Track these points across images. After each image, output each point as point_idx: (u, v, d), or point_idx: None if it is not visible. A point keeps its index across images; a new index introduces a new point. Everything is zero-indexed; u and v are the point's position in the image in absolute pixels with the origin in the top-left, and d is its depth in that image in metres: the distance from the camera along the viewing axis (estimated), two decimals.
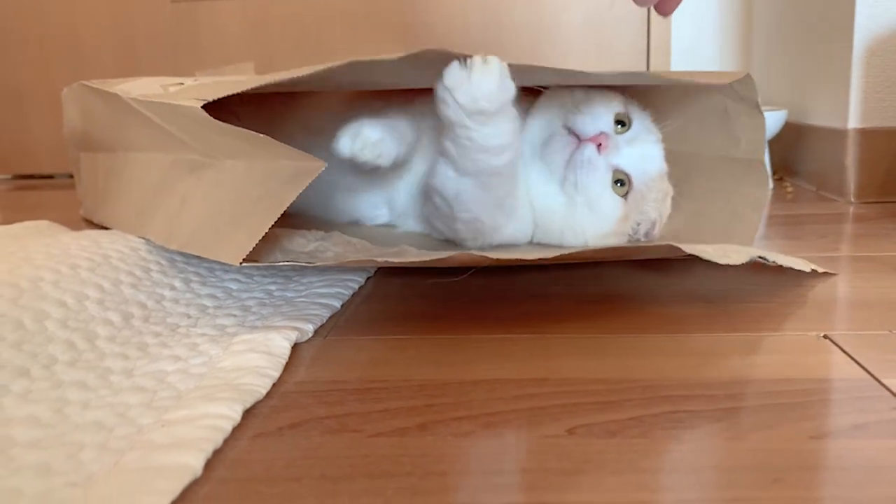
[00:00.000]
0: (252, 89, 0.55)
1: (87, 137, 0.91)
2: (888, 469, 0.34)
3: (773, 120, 1.08)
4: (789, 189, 1.12)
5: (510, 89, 0.54)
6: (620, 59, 1.40)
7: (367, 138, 0.60)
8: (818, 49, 1.10)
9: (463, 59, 0.53)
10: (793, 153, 1.18)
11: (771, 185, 1.14)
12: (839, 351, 0.48)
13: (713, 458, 0.35)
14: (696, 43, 1.43)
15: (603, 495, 0.32)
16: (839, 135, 1.01)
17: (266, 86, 0.55)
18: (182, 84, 0.75)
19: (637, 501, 0.32)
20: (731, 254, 0.56)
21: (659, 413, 0.40)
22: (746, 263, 0.59)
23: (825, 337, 0.51)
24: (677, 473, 0.34)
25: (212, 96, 0.54)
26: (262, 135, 0.51)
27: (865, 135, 0.99)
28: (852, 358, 0.47)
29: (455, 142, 0.56)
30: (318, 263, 0.53)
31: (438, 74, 0.54)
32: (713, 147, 0.74)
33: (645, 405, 0.41)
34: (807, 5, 1.14)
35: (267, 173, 0.53)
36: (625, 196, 0.63)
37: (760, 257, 0.60)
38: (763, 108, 1.09)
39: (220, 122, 0.53)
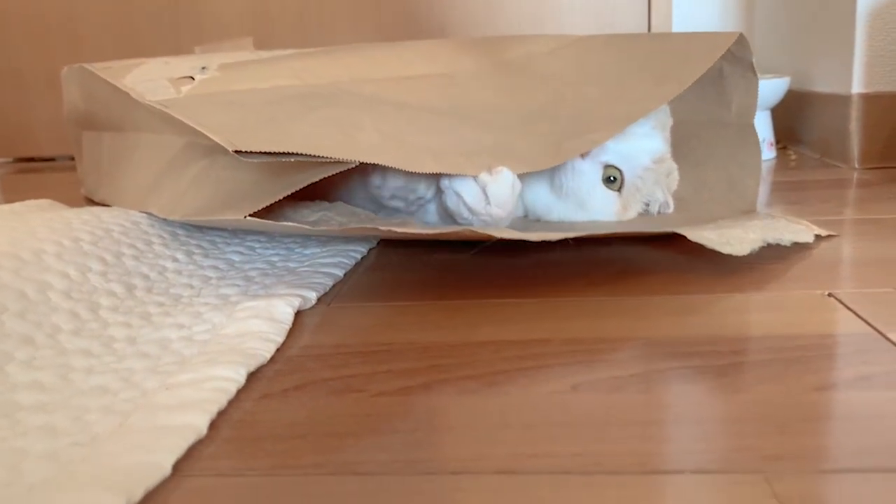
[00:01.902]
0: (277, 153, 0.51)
1: (91, 117, 0.90)
2: (892, 418, 0.34)
3: (776, 87, 1.07)
4: (793, 157, 1.12)
5: (518, 189, 0.56)
6: (621, 29, 1.38)
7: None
8: (821, 14, 1.09)
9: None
10: (797, 121, 1.17)
11: (773, 153, 1.13)
12: (844, 308, 0.48)
13: (717, 411, 0.35)
14: (698, 11, 1.42)
15: (607, 446, 0.32)
16: (842, 101, 1.01)
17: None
18: (192, 78, 0.74)
19: (641, 452, 0.32)
20: (734, 242, 0.56)
21: (662, 369, 0.40)
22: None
23: (830, 295, 0.50)
24: (681, 425, 0.34)
25: (241, 143, 0.52)
26: (293, 160, 0.50)
27: (869, 100, 0.98)
28: (857, 314, 0.47)
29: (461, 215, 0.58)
30: (322, 229, 0.52)
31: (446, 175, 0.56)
32: (708, 112, 0.74)
33: (648, 361, 0.41)
34: None
35: (290, 167, 0.52)
36: (619, 190, 0.63)
37: (766, 242, 0.59)
38: (766, 76, 1.08)
39: (250, 162, 0.52)
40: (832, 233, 0.65)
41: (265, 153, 0.50)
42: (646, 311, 0.49)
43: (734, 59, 0.72)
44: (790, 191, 0.89)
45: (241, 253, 0.65)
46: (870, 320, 0.45)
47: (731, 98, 0.74)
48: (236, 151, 0.50)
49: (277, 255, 0.65)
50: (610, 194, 0.63)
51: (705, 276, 0.56)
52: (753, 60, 0.71)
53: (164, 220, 0.65)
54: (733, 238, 0.56)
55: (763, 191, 0.90)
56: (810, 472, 0.30)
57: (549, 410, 0.36)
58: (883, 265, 0.57)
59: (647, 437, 0.33)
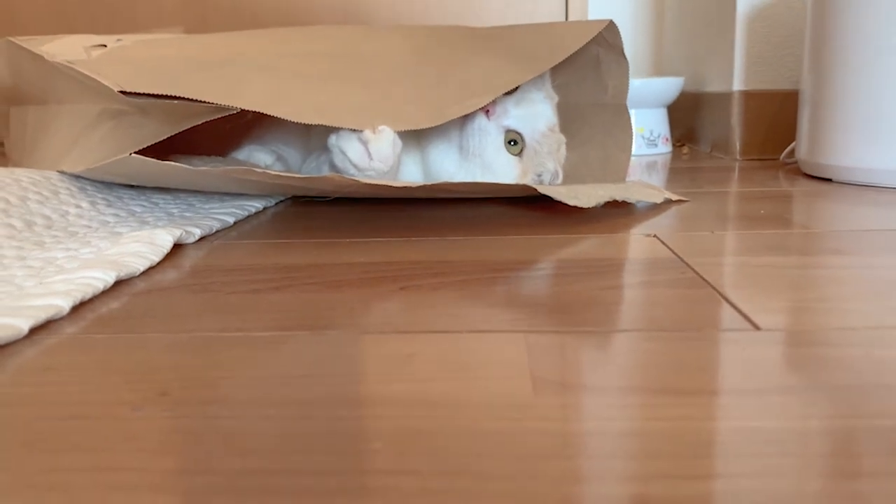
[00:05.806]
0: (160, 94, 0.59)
1: (18, 91, 0.94)
2: (652, 303, 0.41)
3: (670, 86, 1.16)
4: (685, 152, 1.20)
5: (399, 146, 0.62)
6: None
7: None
8: (710, 19, 1.18)
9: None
10: (694, 120, 1.26)
11: (669, 147, 1.22)
12: (660, 243, 0.55)
13: (515, 299, 0.42)
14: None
15: (416, 320, 0.38)
16: (726, 98, 1.10)
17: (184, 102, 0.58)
18: (105, 46, 0.80)
19: (436, 322, 0.38)
20: (581, 196, 0.62)
21: (481, 277, 0.46)
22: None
23: (654, 236, 0.57)
24: (478, 307, 0.40)
25: (129, 86, 0.58)
26: (176, 102, 0.56)
27: (748, 97, 1.07)
28: (667, 246, 0.54)
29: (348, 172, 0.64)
30: (202, 168, 0.58)
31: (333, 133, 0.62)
32: (587, 95, 0.82)
33: (471, 273, 0.47)
34: None
35: (181, 116, 0.57)
36: (519, 154, 0.70)
37: (613, 198, 0.66)
38: (664, 77, 1.17)
39: (137, 101, 0.58)
40: (683, 198, 0.73)
41: (150, 95, 0.55)
42: (489, 245, 0.55)
43: (608, 46, 0.80)
44: (674, 175, 0.97)
45: (144, 206, 0.70)
46: (675, 250, 0.52)
47: (607, 82, 0.82)
48: (123, 92, 0.55)
49: (178, 207, 0.70)
50: (512, 158, 0.69)
51: (556, 224, 0.63)
52: (623, 46, 0.79)
53: (75, 176, 0.70)
54: (581, 193, 0.63)
55: (660, 177, 0.98)
56: (556, 332, 0.36)
57: (375, 301, 0.42)
58: (711, 218, 0.64)
59: (445, 315, 0.39)
